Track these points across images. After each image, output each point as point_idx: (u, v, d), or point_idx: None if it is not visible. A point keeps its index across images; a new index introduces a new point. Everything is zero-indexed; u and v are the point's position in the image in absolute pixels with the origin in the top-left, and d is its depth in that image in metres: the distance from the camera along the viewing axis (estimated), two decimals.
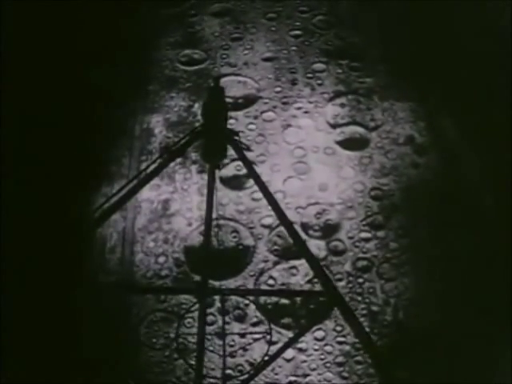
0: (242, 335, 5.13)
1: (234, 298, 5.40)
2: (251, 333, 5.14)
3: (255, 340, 5.08)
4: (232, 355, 5.07)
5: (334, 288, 4.62)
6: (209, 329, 5.25)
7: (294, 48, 7.66)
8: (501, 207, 5.89)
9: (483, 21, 7.27)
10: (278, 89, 7.17)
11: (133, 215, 6.10)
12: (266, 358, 4.93)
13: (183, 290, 5.53)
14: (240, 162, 6.38)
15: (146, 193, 6.25)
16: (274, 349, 5.05)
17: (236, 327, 5.25)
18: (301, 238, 4.71)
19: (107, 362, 5.09)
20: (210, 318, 5.33)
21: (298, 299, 5.33)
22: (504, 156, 6.16)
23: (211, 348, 5.12)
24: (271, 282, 5.54)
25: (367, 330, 5.14)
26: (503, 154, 6.18)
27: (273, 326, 5.22)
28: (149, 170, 4.43)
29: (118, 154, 6.71)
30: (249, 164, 4.28)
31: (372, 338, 5.01)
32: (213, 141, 4.19)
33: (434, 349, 5.06)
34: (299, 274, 5.55)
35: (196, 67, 7.60)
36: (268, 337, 5.10)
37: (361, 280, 5.48)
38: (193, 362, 5.03)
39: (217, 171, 4.50)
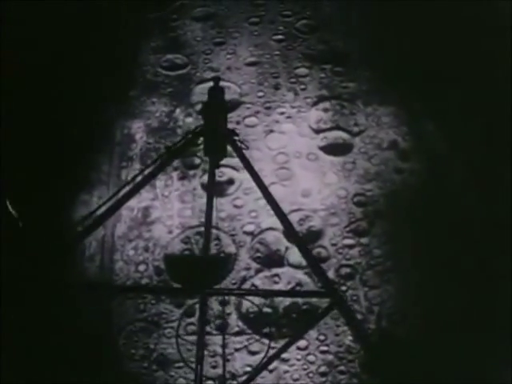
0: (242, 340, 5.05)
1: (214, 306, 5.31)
2: (252, 339, 5.05)
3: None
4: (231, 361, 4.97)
5: (334, 289, 4.58)
6: (190, 339, 5.15)
7: (276, 52, 7.59)
8: (484, 213, 5.84)
9: (467, 25, 7.24)
10: (261, 94, 7.09)
11: (112, 223, 5.98)
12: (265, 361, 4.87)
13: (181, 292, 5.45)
14: (222, 169, 6.33)
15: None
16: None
17: (218, 337, 5.15)
18: (302, 240, 4.68)
19: (88, 368, 4.99)
20: (190, 328, 5.23)
21: (281, 307, 5.24)
22: (487, 162, 6.12)
23: (192, 359, 5.02)
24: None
25: (350, 338, 5.07)
26: (487, 159, 6.14)
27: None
28: (147, 172, 4.38)
29: (98, 160, 6.60)
30: (248, 163, 4.23)
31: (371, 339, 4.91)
32: (213, 140, 4.17)
33: (418, 357, 4.98)
34: (281, 282, 5.46)
35: (178, 72, 7.50)
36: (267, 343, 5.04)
37: (344, 287, 5.40)
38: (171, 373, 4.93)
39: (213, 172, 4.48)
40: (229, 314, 5.27)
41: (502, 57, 6.77)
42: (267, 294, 5.34)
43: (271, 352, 4.98)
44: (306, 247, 4.31)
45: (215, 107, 4.11)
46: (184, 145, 4.25)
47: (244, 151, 5.79)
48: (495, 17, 7.06)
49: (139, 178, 4.27)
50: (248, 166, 4.21)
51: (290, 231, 4.35)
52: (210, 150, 4.25)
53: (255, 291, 5.37)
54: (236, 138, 4.13)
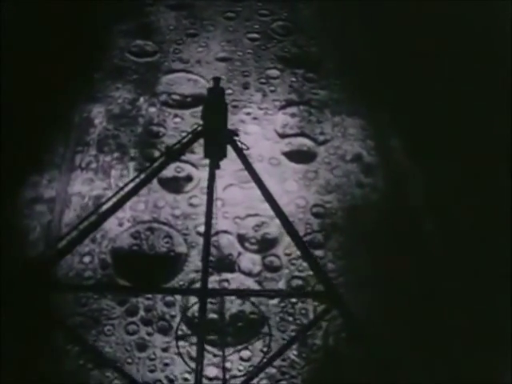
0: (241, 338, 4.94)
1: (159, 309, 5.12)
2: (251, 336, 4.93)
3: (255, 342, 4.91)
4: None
5: (333, 289, 4.50)
6: (129, 339, 4.94)
7: (249, 51, 7.43)
8: (441, 233, 5.79)
9: (453, 32, 7.20)
10: (229, 91, 6.91)
11: (60, 209, 5.73)
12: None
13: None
14: (181, 164, 6.14)
15: (77, 186, 5.90)
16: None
17: (159, 340, 4.97)
18: (306, 246, 4.60)
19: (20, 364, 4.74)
20: (131, 328, 5.02)
21: (228, 314, 5.08)
22: (451, 184, 6.08)
23: (130, 360, 4.82)
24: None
25: (295, 353, 4.94)
26: (449, 179, 6.10)
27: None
28: (148, 171, 4.24)
29: (53, 142, 6.33)
30: (248, 164, 4.14)
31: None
32: (213, 140, 4.11)
33: (364, 377, 4.88)
34: (230, 288, 5.29)
35: (146, 59, 7.28)
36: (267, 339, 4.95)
37: (294, 300, 5.27)
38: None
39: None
40: (173, 317, 5.09)
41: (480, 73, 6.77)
42: (267, 294, 5.25)
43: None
44: (307, 248, 4.23)
45: (215, 107, 4.02)
46: (184, 145, 4.15)
47: (200, 149, 5.65)
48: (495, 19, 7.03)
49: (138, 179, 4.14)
50: (248, 167, 4.15)
51: (290, 232, 4.27)
52: (209, 150, 4.15)
53: (255, 291, 5.26)
54: (236, 138, 4.07)
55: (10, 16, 6.96)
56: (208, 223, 4.18)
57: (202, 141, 4.58)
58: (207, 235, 4.20)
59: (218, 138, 4.10)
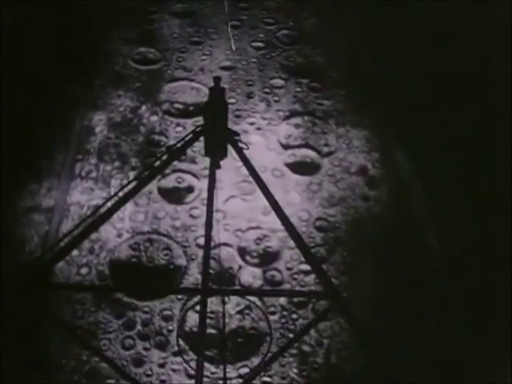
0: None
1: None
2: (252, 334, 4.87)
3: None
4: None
5: (335, 292, 4.41)
6: (125, 354, 4.82)
7: (253, 60, 7.33)
8: (443, 248, 5.67)
9: (444, 49, 7.10)
10: (232, 100, 6.80)
11: (59, 218, 5.62)
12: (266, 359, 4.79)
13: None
14: (182, 175, 6.04)
15: (76, 196, 5.79)
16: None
17: (156, 355, 4.84)
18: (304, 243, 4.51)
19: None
20: (127, 342, 4.89)
21: (227, 331, 4.95)
22: (455, 199, 5.96)
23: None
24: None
25: (295, 371, 4.81)
26: (455, 196, 5.98)
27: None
28: (148, 172, 4.17)
29: (53, 149, 6.23)
30: (249, 165, 4.05)
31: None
32: (213, 140, 4.10)
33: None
34: (230, 303, 5.16)
35: (149, 67, 7.18)
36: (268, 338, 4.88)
37: (295, 316, 5.14)
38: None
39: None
40: (170, 331, 4.97)
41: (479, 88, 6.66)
42: (267, 293, 5.17)
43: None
44: (308, 249, 4.15)
45: (216, 107, 3.95)
46: (184, 145, 4.08)
47: (202, 159, 5.57)
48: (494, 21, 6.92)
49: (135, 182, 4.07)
50: (249, 167, 4.09)
51: (293, 234, 4.19)
52: (210, 150, 4.07)
53: (256, 291, 5.18)
54: (237, 138, 4.00)
55: (10, 21, 6.88)
56: (209, 212, 4.08)
57: (203, 152, 4.53)
58: (207, 240, 4.10)
59: (218, 137, 4.03)
